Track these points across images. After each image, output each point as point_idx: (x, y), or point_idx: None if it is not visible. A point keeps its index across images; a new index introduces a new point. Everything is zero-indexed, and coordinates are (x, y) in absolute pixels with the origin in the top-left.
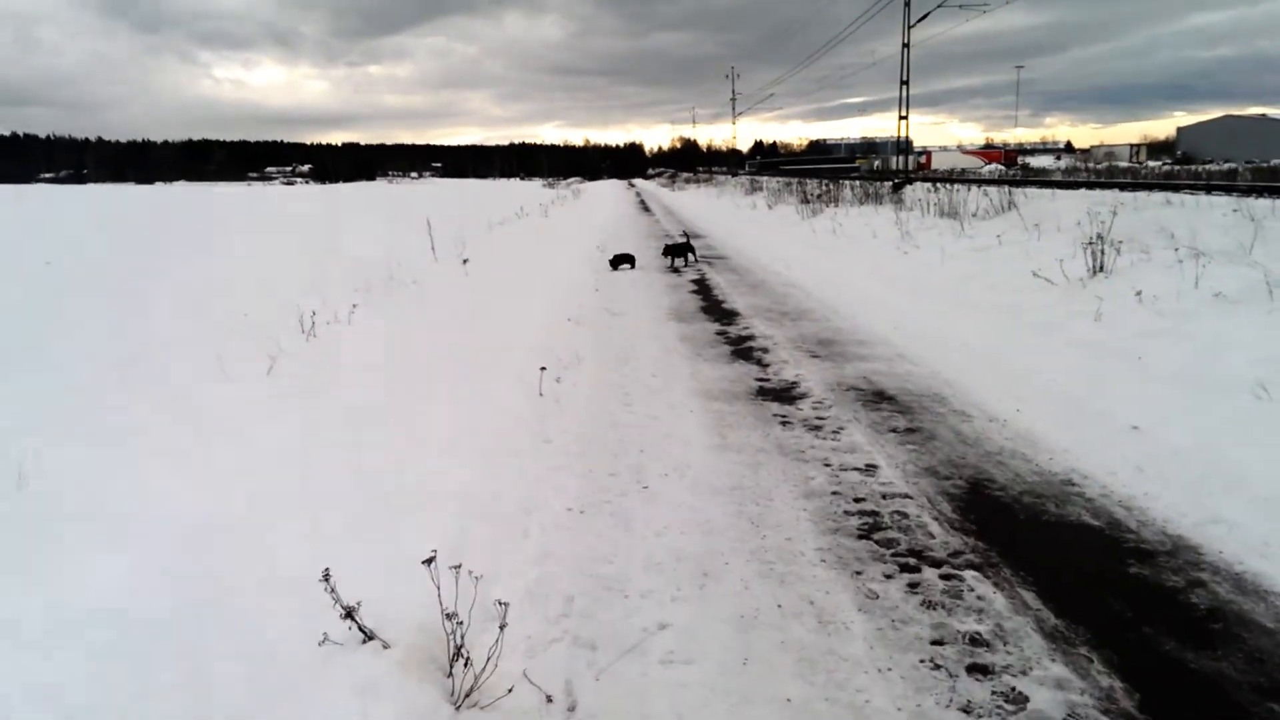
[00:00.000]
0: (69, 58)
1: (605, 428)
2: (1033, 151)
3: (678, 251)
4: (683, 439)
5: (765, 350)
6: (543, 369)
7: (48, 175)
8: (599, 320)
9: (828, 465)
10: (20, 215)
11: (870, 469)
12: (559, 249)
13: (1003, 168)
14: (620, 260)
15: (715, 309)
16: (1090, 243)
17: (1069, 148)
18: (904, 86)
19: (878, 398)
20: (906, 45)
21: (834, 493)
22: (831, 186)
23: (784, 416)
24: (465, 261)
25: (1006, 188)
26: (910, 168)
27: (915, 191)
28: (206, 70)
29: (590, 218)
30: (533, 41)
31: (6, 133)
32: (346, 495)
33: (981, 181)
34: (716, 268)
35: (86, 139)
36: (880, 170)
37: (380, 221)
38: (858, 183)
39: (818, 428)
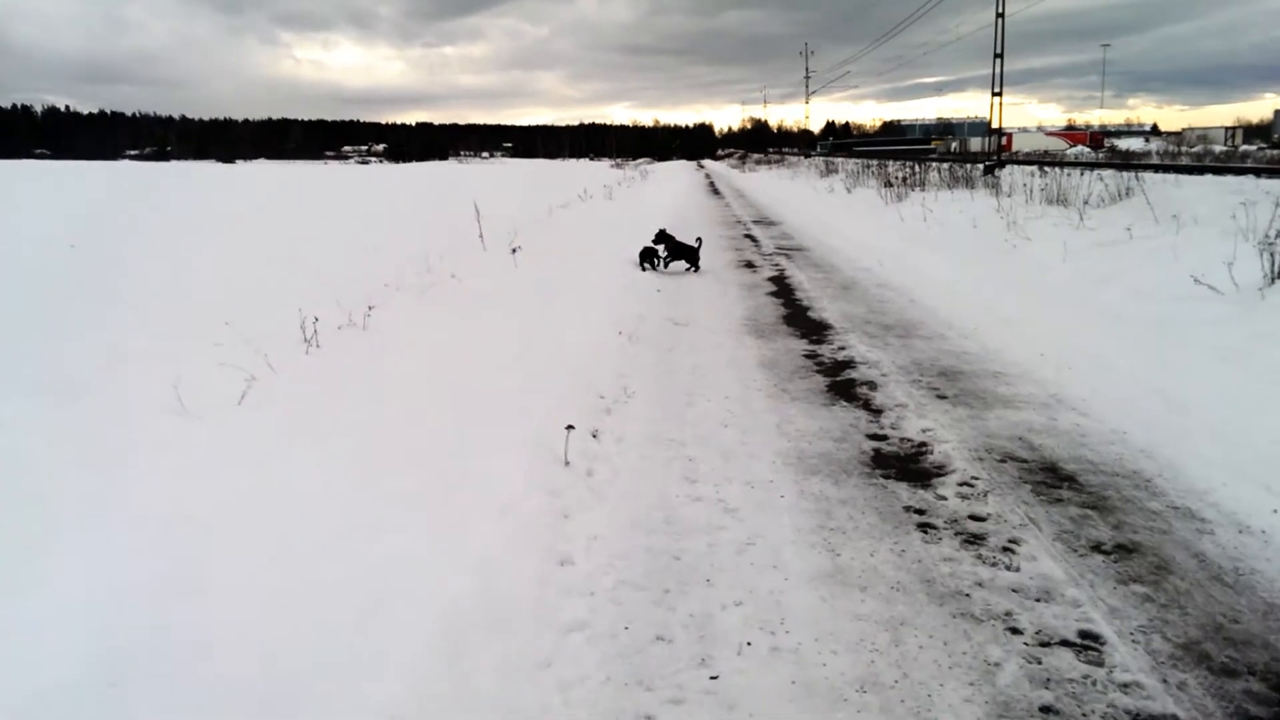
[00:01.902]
0: (156, 38)
1: (655, 531)
2: (1117, 134)
3: (668, 252)
4: (772, 556)
5: (872, 385)
6: (569, 429)
7: (133, 152)
8: (658, 333)
9: (1015, 631)
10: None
11: (1090, 644)
12: (620, 237)
13: (1089, 150)
14: (655, 249)
15: (800, 318)
16: (1269, 241)
17: (1155, 130)
18: (998, 60)
19: (1051, 477)
20: (1001, 14)
21: (1046, 710)
22: (918, 168)
23: (921, 512)
24: (514, 251)
25: (1122, 172)
26: (991, 149)
27: (1012, 175)
28: (288, 50)
29: (657, 201)
30: (604, 22)
31: (96, 110)
32: None
33: (1081, 164)
34: (796, 262)
35: (170, 116)
36: (959, 152)
37: (433, 204)
38: (945, 164)
39: (978, 539)
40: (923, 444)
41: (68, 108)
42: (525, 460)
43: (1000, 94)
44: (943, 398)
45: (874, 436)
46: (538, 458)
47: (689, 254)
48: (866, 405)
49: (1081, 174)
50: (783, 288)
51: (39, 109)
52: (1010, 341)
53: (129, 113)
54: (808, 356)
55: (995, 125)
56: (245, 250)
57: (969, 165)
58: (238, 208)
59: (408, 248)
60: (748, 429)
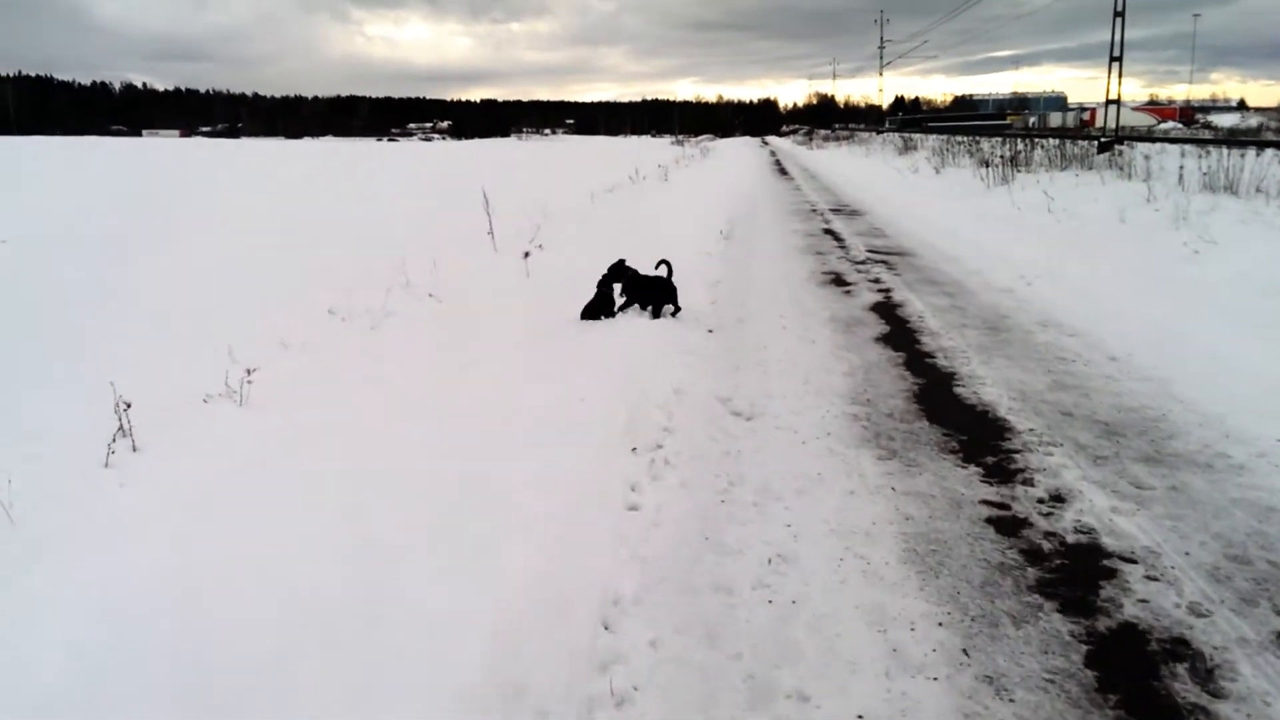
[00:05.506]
0: (234, 15)
1: None
2: (1203, 109)
3: (625, 295)
4: None
5: (1204, 671)
6: None
7: (205, 129)
8: (705, 441)
9: None
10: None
11: None
12: (668, 231)
13: (1181, 125)
14: (608, 293)
15: (946, 401)
16: None
17: (1243, 105)
18: (1118, 19)
19: None
20: None
21: None
22: (1021, 145)
23: None
24: (527, 256)
25: None
26: (1073, 125)
27: (1149, 155)
28: (359, 28)
29: (717, 183)
30: None
31: (172, 87)
32: None
33: (1203, 141)
34: (903, 275)
35: (243, 94)
36: (1040, 127)
37: (462, 188)
38: (1050, 140)
39: None
40: None
41: (145, 85)
42: None
43: (1120, 59)
44: None
45: None
46: None
47: (657, 294)
48: None
49: (1257, 154)
50: (896, 326)
51: (116, 85)
52: None
53: (203, 90)
54: (1000, 526)
55: (1114, 96)
56: (201, 250)
57: (1077, 142)
58: (224, 194)
59: (404, 245)
60: None
